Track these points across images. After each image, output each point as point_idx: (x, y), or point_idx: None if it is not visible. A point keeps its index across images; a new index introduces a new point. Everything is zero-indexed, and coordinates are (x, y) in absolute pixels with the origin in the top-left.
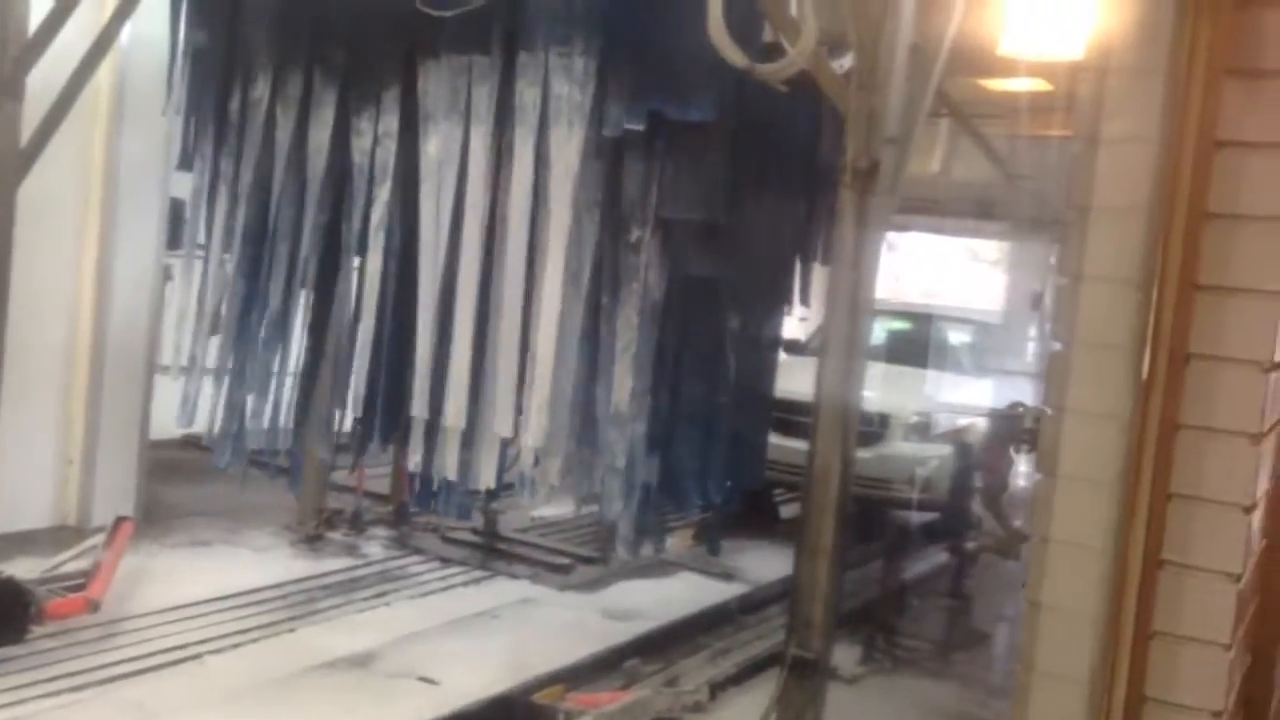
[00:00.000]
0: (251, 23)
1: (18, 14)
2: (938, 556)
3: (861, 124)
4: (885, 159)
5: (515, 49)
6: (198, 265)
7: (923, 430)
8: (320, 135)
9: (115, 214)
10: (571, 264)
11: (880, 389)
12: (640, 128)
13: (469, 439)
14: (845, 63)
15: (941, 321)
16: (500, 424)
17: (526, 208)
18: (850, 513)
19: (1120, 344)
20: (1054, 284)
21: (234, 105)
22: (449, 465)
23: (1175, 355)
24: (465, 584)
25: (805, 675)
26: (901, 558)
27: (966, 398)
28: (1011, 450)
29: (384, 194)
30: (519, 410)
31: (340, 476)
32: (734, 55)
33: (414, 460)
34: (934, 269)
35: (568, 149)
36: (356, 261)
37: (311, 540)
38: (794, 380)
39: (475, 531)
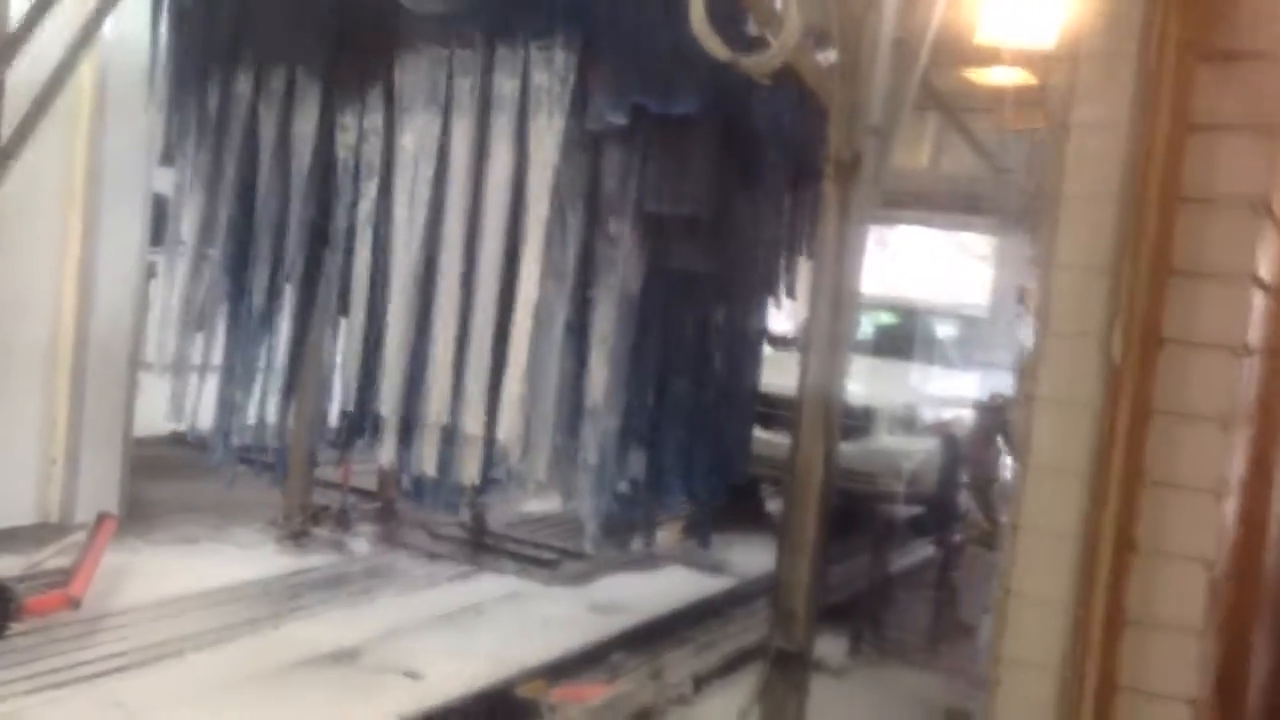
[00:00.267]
0: (232, 17)
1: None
2: (925, 549)
3: (844, 116)
4: (868, 151)
5: (495, 42)
6: (181, 262)
7: (909, 424)
8: (304, 130)
9: (98, 211)
10: (552, 258)
11: (866, 383)
12: (622, 121)
13: (450, 435)
14: (830, 55)
15: (928, 315)
16: (470, 420)
17: (505, 201)
18: (835, 506)
19: (1092, 330)
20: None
21: (216, 101)
22: (428, 461)
23: (1148, 340)
24: (451, 579)
25: (788, 668)
26: (888, 551)
27: (953, 391)
28: (999, 442)
29: (371, 189)
30: (494, 406)
31: (328, 473)
32: (716, 48)
33: (387, 457)
34: (923, 263)
35: (548, 142)
36: (342, 257)
37: (297, 536)
38: (781, 375)
39: (463, 527)
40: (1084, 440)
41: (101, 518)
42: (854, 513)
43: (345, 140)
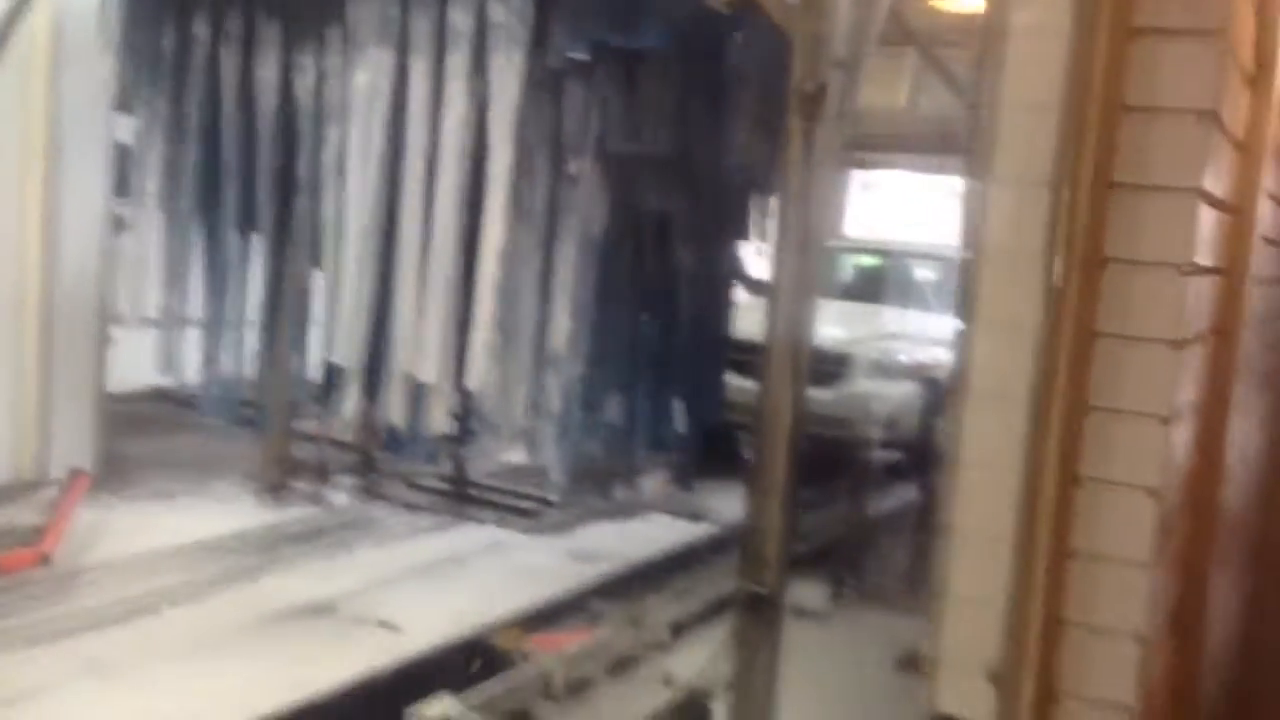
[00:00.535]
0: None
1: None
2: (906, 494)
3: (807, 47)
4: (833, 84)
5: None
6: (149, 213)
7: (887, 368)
8: (265, 72)
9: (60, 160)
10: (517, 201)
11: (843, 326)
12: (584, 57)
13: (417, 385)
14: None
15: (907, 258)
16: (431, 369)
17: (463, 143)
18: (811, 452)
19: (1031, 249)
20: None
21: (173, 44)
22: (395, 412)
23: (1090, 259)
24: (430, 530)
25: (760, 611)
26: (866, 495)
27: (933, 334)
28: None
29: (333, 134)
30: (459, 353)
31: (309, 426)
32: None
33: (350, 409)
34: (902, 206)
35: (509, 81)
36: (309, 205)
37: (276, 489)
38: (756, 320)
39: (442, 478)
40: (1024, 366)
41: (74, 474)
42: (831, 458)
43: (303, 82)
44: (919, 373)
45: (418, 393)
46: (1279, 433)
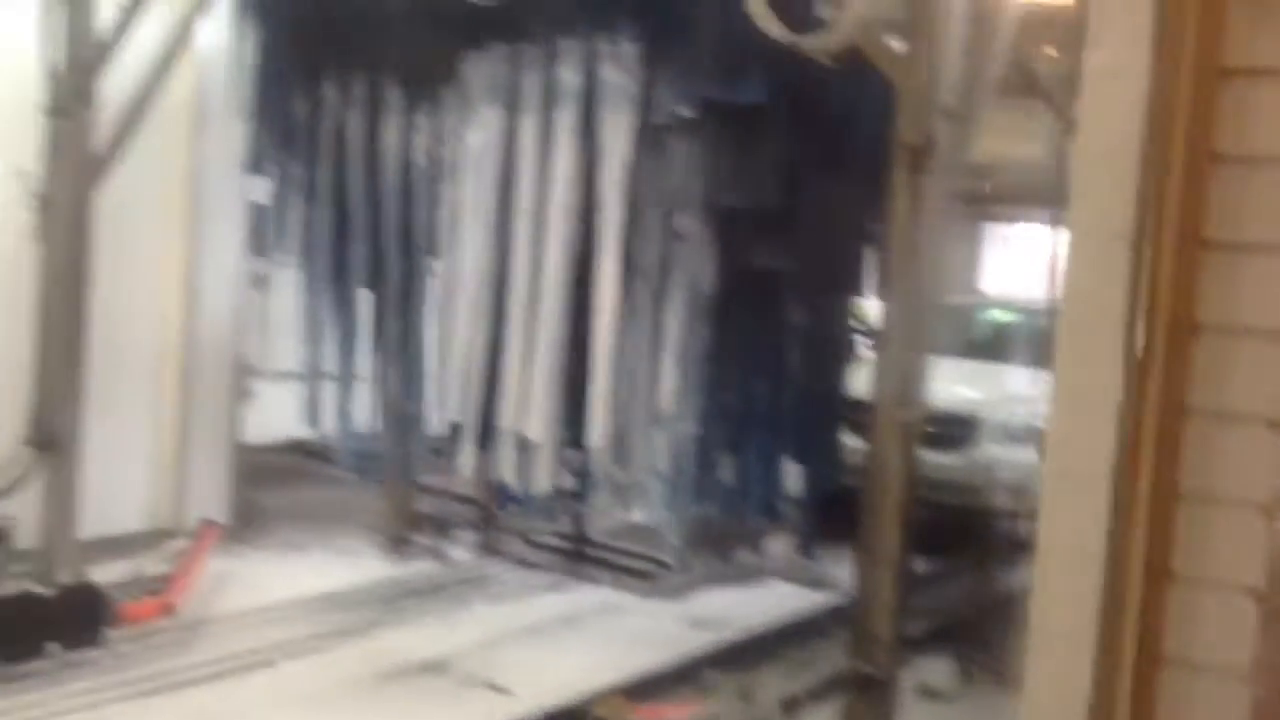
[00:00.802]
0: (314, 24)
1: (90, 23)
2: None
3: (913, 98)
4: (943, 136)
5: (558, 35)
6: (284, 270)
7: (1018, 432)
8: (388, 134)
9: (200, 219)
10: (629, 257)
11: (972, 386)
12: (689, 113)
13: (525, 441)
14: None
15: (1044, 315)
16: (533, 426)
17: (570, 199)
18: (936, 521)
19: (1115, 311)
20: None
21: (306, 108)
22: (506, 468)
23: (1179, 325)
24: (546, 589)
25: (872, 694)
26: (996, 568)
27: None
28: None
29: (446, 193)
30: (580, 412)
31: (432, 480)
32: (773, 28)
33: (466, 464)
34: (1044, 261)
35: (619, 138)
36: (425, 263)
37: (398, 543)
38: None
39: (561, 535)
40: (1106, 443)
41: (204, 525)
42: (958, 527)
43: (420, 143)
44: None
45: (526, 450)
46: None
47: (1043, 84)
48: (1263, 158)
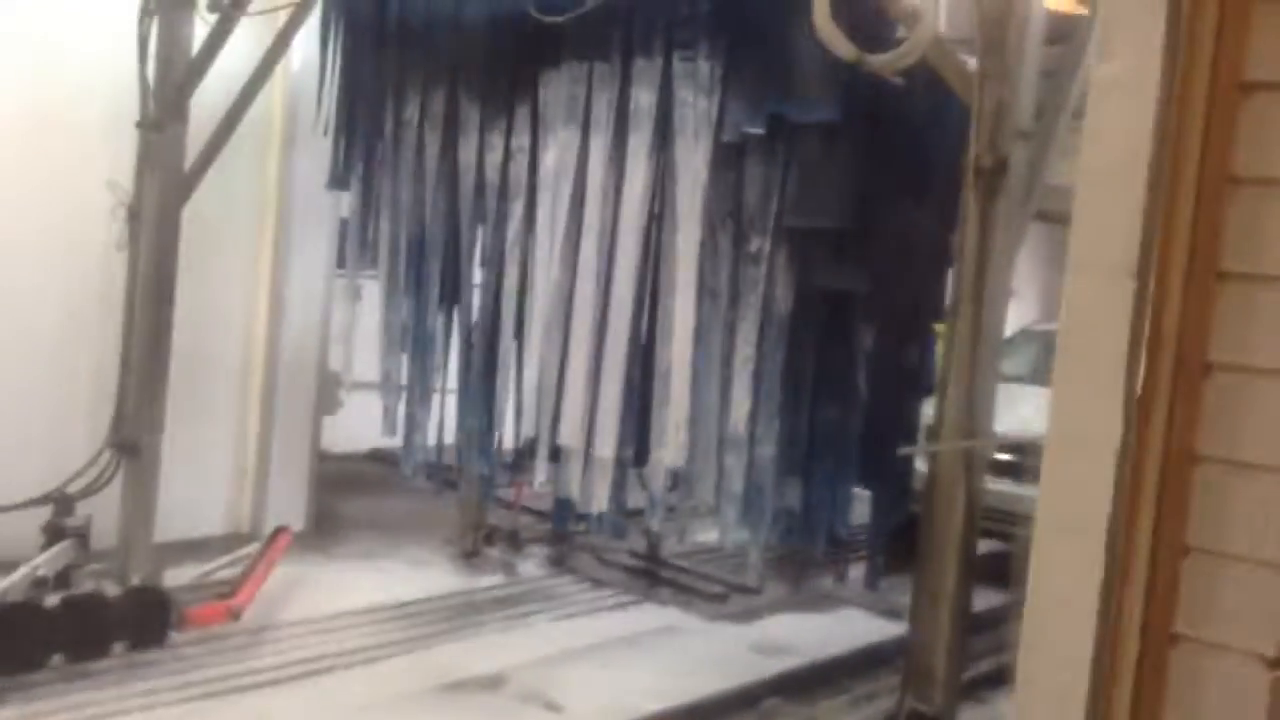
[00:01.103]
0: (396, 43)
1: (182, 40)
2: None
3: (987, 118)
4: (1017, 157)
5: (633, 54)
6: (371, 283)
7: None
8: (466, 152)
9: (289, 233)
10: (704, 278)
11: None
12: (760, 131)
13: (589, 459)
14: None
15: None
16: (602, 444)
17: (642, 219)
18: (1010, 555)
19: (1115, 349)
20: None
21: (389, 125)
22: (572, 486)
23: (1187, 364)
24: (612, 608)
25: None
26: None
27: None
28: None
29: (517, 210)
30: (638, 430)
31: (506, 493)
32: (841, 46)
33: (540, 480)
34: None
35: (695, 157)
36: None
37: (469, 556)
38: None
39: (633, 554)
40: (1104, 493)
41: (276, 531)
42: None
43: (493, 160)
44: None
45: (591, 467)
46: None
47: None
48: None
